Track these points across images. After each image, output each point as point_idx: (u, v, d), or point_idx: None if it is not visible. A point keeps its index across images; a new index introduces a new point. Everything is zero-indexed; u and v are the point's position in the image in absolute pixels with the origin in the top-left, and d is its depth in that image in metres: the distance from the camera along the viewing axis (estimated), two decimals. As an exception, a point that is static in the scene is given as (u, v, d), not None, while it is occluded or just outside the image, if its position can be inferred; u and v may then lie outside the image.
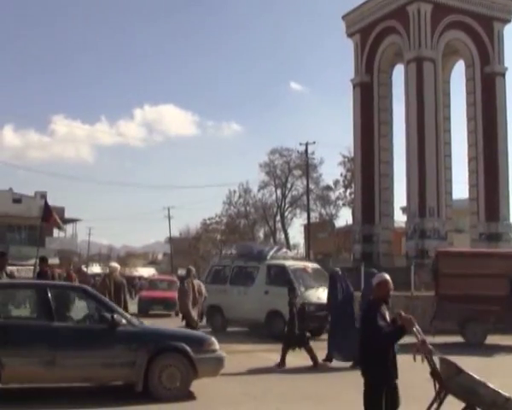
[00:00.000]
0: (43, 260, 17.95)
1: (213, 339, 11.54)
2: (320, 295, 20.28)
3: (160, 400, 10.35)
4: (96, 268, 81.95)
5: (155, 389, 10.52)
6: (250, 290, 22.27)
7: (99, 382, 11.15)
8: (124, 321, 10.84)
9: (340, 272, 17.11)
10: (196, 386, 11.17)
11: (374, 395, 6.57)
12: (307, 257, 50.82)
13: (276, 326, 19.82)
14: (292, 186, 77.81)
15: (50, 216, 17.28)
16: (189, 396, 10.87)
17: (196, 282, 17.03)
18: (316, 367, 15.06)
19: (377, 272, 10.06)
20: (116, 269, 15.64)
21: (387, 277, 6.93)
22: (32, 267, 21.70)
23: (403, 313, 6.66)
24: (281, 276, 21.44)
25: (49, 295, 10.75)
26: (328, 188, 75.28)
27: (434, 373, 7.11)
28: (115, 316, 10.71)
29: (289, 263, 22.74)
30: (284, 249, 26.86)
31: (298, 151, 69.49)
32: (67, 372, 10.32)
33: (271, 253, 23.35)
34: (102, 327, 10.67)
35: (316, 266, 24.81)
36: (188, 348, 10.82)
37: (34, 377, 10.30)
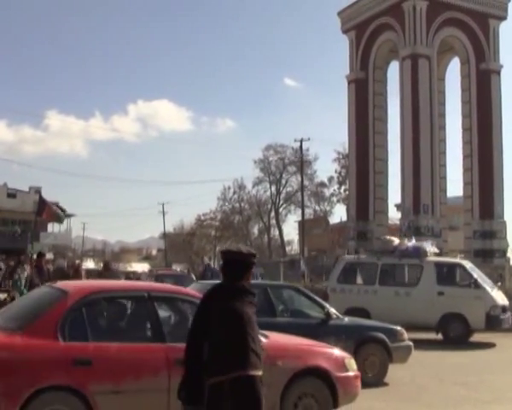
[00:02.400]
0: (41, 255, 17.97)
1: (403, 330, 12.62)
2: (500, 295, 19.34)
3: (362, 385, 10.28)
4: (90, 263, 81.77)
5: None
6: (414, 291, 19.38)
7: None
8: (334, 315, 12.03)
9: None
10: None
11: None
12: (301, 253, 50.86)
13: (455, 330, 18.45)
14: (286, 182, 77.95)
15: (44, 211, 17.20)
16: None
17: None
18: None
19: None
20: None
21: None
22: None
23: None
24: (457, 275, 19.69)
25: (270, 293, 12.01)
26: (322, 184, 75.44)
27: None
28: (329, 311, 11.94)
29: (464, 261, 20.94)
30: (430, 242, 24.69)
31: (292, 148, 69.76)
32: None
33: (430, 249, 20.68)
34: (317, 321, 11.78)
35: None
36: (385, 338, 11.98)
37: None
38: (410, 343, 12.53)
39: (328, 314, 11.95)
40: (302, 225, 60.56)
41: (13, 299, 12.73)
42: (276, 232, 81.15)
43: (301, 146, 59.37)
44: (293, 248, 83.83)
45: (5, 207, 68.98)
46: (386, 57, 42.06)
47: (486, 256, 37.22)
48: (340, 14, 43.52)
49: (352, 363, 8.47)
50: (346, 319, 12.53)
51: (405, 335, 12.54)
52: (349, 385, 8.27)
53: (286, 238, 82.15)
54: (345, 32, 43.28)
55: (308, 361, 8.03)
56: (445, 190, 40.91)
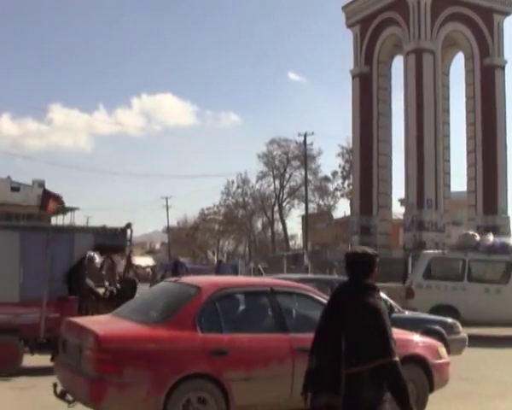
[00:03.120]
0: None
1: (458, 323, 13.29)
2: None
3: None
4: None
5: None
6: (505, 289, 18.69)
7: None
8: (396, 309, 12.31)
9: None
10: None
11: None
12: (305, 248, 50.86)
13: None
14: (290, 177, 77.83)
15: (48, 204, 17.23)
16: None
17: None
18: None
19: None
20: None
21: None
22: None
23: None
24: None
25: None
26: (326, 179, 75.29)
27: None
28: (392, 303, 12.06)
29: None
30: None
31: (296, 142, 69.56)
32: None
33: None
34: None
35: None
36: (443, 331, 12.60)
37: None
38: (465, 336, 13.17)
39: (391, 308, 12.14)
40: (306, 219, 60.60)
41: (112, 293, 13.07)
42: (280, 227, 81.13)
43: (305, 140, 59.35)
44: (297, 242, 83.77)
45: (9, 200, 69.09)
46: (391, 52, 42.01)
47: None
48: (344, 8, 43.47)
49: (443, 351, 9.06)
50: (407, 313, 13.25)
51: (460, 328, 13.23)
52: (442, 371, 8.90)
53: (289, 233, 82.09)
54: (349, 26, 43.23)
55: (409, 350, 8.48)
56: (448, 185, 40.89)
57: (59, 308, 11.71)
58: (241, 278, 10.47)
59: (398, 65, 41.95)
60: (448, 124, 41.16)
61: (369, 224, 40.75)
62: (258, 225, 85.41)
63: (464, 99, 40.58)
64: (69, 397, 7.73)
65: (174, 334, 7.45)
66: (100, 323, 7.99)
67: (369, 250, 5.03)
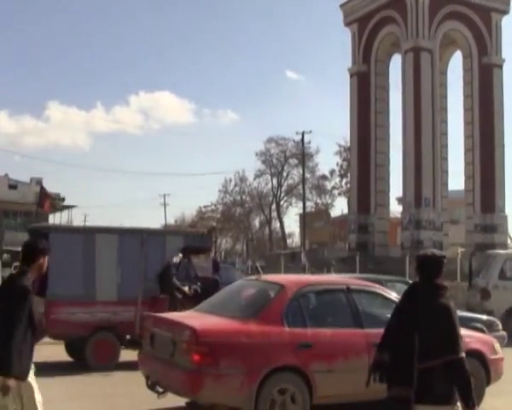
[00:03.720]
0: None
1: (498, 321, 13.95)
2: None
3: None
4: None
5: None
6: None
7: None
8: None
9: None
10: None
11: None
12: (302, 246, 50.86)
13: None
14: (288, 175, 77.81)
15: (45, 202, 17.24)
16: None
17: None
18: None
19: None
20: None
21: None
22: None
23: None
24: None
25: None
26: (324, 177, 75.29)
27: None
28: None
29: None
30: None
31: (294, 140, 69.51)
32: None
33: None
34: None
35: None
36: (485, 328, 12.89)
37: None
38: (504, 333, 13.71)
39: None
40: (303, 217, 60.61)
41: (196, 292, 13.61)
42: (277, 225, 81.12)
43: (303, 139, 59.43)
44: (294, 240, 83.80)
45: (6, 198, 69.04)
46: (389, 50, 42.00)
47: (487, 250, 37.23)
48: (342, 6, 43.45)
49: (498, 347, 9.65)
50: None
51: (500, 325, 13.83)
52: (498, 366, 9.49)
53: (287, 231, 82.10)
54: (347, 24, 43.21)
55: (470, 345, 8.74)
56: (446, 184, 40.92)
57: (152, 307, 12.33)
58: (319, 277, 11.14)
59: (396, 63, 41.96)
60: (446, 122, 41.18)
61: (366, 222, 40.75)
62: (256, 223, 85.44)
63: (462, 97, 40.57)
64: (159, 389, 8.28)
65: (264, 329, 8.00)
66: (192, 318, 8.49)
67: (438, 252, 5.42)
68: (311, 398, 8.03)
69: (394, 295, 9.20)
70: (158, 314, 9.24)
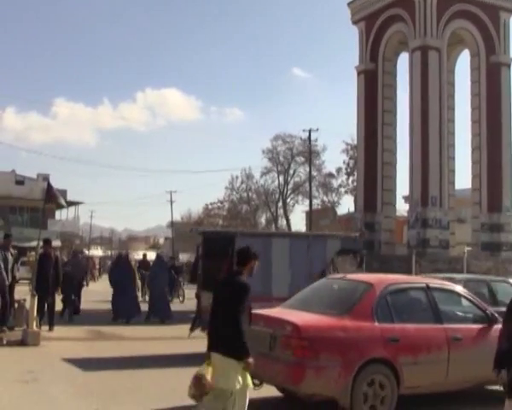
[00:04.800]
0: (47, 241, 18.07)
1: None
2: None
3: None
4: (97, 251, 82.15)
5: None
6: None
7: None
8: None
9: None
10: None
11: None
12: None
13: None
14: (294, 173, 77.86)
15: (52, 197, 17.21)
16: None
17: None
18: None
19: None
20: None
21: None
22: (34, 249, 21.70)
23: None
24: None
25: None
26: (330, 175, 75.31)
27: None
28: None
29: None
30: None
31: (301, 138, 69.70)
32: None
33: None
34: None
35: None
36: None
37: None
38: None
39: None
40: (310, 215, 60.66)
41: None
42: (284, 222, 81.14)
43: (309, 136, 59.45)
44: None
45: (13, 194, 69.35)
46: (396, 49, 41.91)
47: (494, 249, 37.22)
48: (350, 4, 43.37)
49: None
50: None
51: None
52: None
53: (293, 229, 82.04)
54: (355, 22, 43.14)
55: None
56: (453, 183, 40.84)
57: None
58: (402, 276, 11.58)
59: (403, 62, 41.89)
60: (453, 121, 41.10)
61: (373, 220, 40.71)
62: (262, 220, 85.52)
63: (469, 96, 40.48)
64: (255, 381, 8.42)
65: (357, 324, 8.76)
66: (289, 314, 9.17)
67: None
68: (398, 388, 8.85)
69: (467, 293, 10.35)
70: (255, 311, 9.56)
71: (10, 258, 16.14)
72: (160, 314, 21.72)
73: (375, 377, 8.62)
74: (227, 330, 6.61)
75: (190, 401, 6.94)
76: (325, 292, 10.15)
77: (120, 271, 22.41)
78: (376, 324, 8.87)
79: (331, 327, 8.68)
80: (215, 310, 6.96)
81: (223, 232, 17.15)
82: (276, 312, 9.61)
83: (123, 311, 21.34)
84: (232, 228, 54.08)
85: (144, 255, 35.86)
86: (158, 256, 25.78)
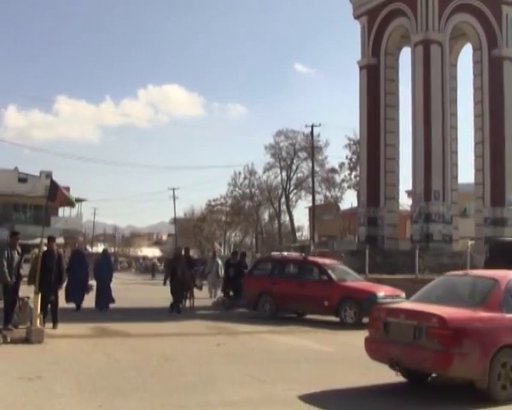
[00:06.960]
0: (51, 238, 18.13)
1: None
2: None
3: None
4: (100, 248, 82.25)
5: None
6: None
7: None
8: None
9: None
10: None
11: None
12: (312, 239, 50.82)
13: None
14: (297, 168, 78.01)
15: (56, 195, 17.16)
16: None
17: None
18: None
19: None
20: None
21: None
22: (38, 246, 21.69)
23: None
24: None
25: None
26: (333, 170, 75.39)
27: None
28: None
29: None
30: None
31: (303, 133, 69.78)
32: None
33: None
34: None
35: None
36: None
37: None
38: None
39: None
40: (313, 210, 60.70)
41: None
42: (287, 218, 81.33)
43: (312, 132, 59.56)
44: (304, 233, 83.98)
45: (16, 191, 69.42)
46: (398, 43, 41.85)
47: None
48: (351, -1, 43.29)
49: None
50: None
51: None
52: None
53: (296, 224, 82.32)
54: (357, 17, 43.05)
55: None
56: (456, 177, 40.80)
57: None
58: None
59: (405, 56, 41.82)
60: (455, 115, 41.04)
61: (376, 215, 40.70)
62: (265, 216, 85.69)
63: (472, 90, 40.40)
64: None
65: (490, 315, 9.90)
66: (431, 308, 10.10)
67: None
68: None
69: None
70: (393, 306, 11.51)
71: (17, 256, 16.04)
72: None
73: (506, 360, 9.63)
74: None
75: (195, 397, 6.91)
76: (454, 287, 11.19)
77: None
78: (505, 314, 9.96)
79: (470, 318, 9.75)
80: None
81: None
82: (414, 306, 10.62)
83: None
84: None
85: (187, 250, 30.49)
86: (104, 251, 28.07)
